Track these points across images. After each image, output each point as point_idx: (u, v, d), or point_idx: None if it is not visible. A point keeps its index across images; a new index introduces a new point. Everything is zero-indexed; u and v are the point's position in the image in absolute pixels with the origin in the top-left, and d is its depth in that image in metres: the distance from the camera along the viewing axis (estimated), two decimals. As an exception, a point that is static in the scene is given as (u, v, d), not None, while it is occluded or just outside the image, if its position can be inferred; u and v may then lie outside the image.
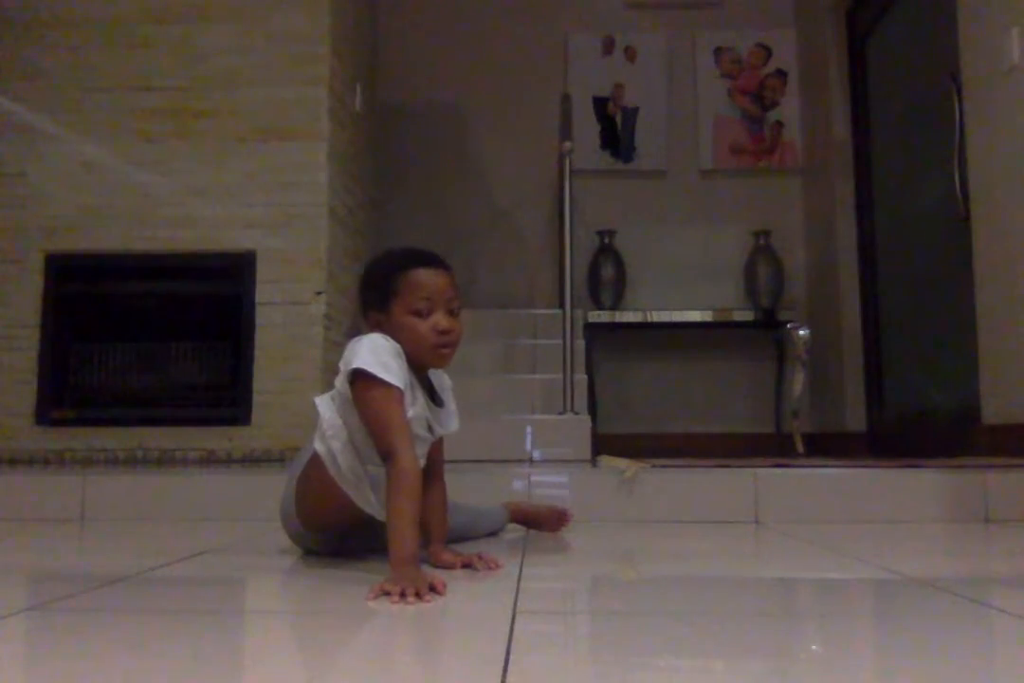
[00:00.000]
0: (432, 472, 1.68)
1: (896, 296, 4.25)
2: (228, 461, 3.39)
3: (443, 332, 1.57)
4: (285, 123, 3.62)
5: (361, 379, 1.53)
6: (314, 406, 1.64)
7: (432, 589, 1.32)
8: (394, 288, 1.58)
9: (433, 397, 1.66)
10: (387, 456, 1.50)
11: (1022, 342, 2.96)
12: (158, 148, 3.62)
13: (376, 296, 1.61)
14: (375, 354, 1.53)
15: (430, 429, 1.65)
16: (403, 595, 1.28)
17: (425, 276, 1.58)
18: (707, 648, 1.09)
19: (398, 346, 1.57)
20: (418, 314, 1.57)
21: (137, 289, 3.63)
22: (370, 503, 1.61)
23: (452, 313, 1.59)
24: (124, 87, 3.65)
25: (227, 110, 3.63)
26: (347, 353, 1.57)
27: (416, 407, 1.59)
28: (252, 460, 3.39)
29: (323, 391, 1.80)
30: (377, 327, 1.60)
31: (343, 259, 3.89)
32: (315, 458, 1.62)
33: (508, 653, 1.00)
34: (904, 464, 2.67)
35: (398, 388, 1.52)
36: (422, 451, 1.64)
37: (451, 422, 1.70)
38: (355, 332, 3.84)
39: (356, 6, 4.30)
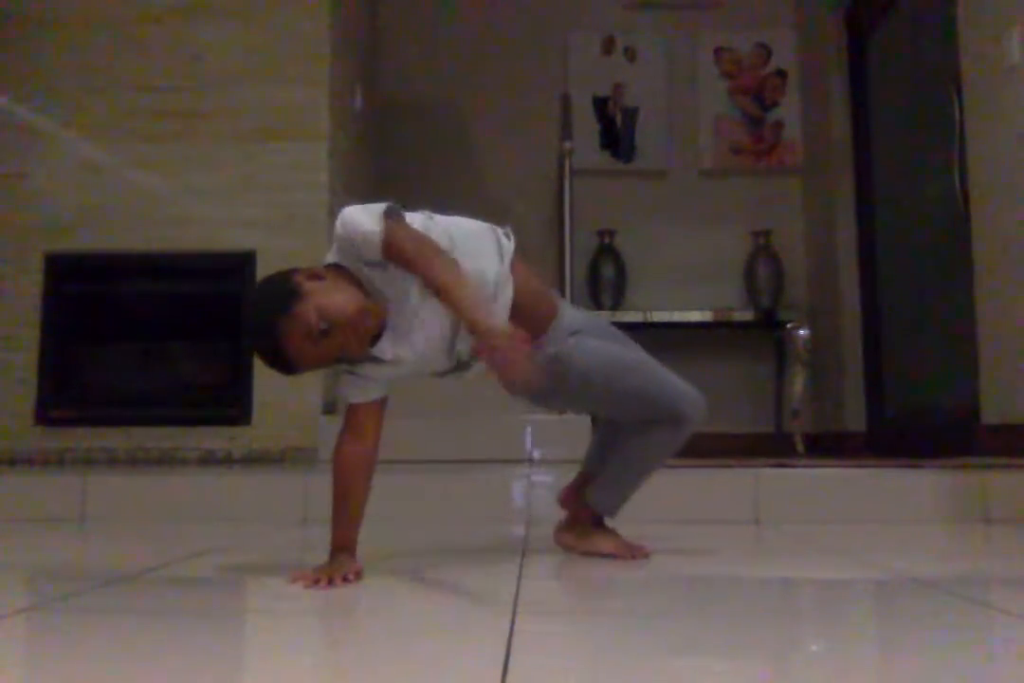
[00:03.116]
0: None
1: (896, 296, 4.25)
2: (228, 461, 3.39)
3: (336, 357, 1.52)
4: (285, 123, 3.61)
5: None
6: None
7: (344, 578, 1.44)
8: None
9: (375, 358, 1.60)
10: None
11: (1022, 342, 2.96)
12: (158, 148, 3.61)
13: None
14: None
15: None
16: (316, 581, 1.43)
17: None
18: (707, 648, 1.09)
19: None
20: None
21: (137, 289, 3.62)
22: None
23: (323, 336, 1.47)
24: (124, 87, 3.64)
25: (227, 110, 3.62)
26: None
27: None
28: (252, 460, 3.39)
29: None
30: None
31: (343, 259, 3.88)
32: None
33: (508, 653, 1.00)
34: (904, 464, 2.68)
35: None
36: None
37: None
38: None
39: (356, 5, 4.30)
